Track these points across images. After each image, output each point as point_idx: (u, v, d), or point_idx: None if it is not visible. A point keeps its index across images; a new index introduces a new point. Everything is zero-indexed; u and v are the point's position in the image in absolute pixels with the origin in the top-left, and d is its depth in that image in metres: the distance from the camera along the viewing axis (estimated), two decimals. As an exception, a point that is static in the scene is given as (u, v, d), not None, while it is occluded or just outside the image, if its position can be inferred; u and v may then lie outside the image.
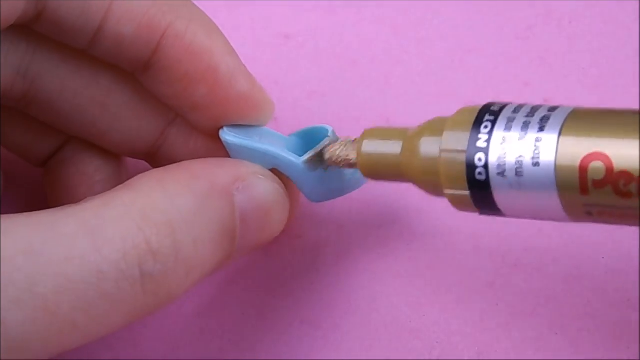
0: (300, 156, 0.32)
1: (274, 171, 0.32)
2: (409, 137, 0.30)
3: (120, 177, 0.34)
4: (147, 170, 0.30)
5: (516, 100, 0.37)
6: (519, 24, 0.39)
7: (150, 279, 0.27)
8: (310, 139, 0.33)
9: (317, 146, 0.32)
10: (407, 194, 0.36)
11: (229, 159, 0.32)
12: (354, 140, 0.32)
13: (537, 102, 0.36)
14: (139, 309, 0.28)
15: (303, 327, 0.33)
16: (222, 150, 0.33)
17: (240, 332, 0.34)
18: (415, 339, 0.33)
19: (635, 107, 0.35)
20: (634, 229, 0.33)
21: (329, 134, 0.32)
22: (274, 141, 0.33)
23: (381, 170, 0.31)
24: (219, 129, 0.32)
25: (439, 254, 0.34)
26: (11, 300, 0.26)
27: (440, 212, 0.35)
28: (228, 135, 0.32)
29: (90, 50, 0.31)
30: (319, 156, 0.32)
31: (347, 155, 0.32)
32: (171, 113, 0.33)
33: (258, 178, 0.31)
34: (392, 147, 0.31)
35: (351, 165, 0.32)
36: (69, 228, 0.27)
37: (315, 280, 0.34)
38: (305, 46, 0.40)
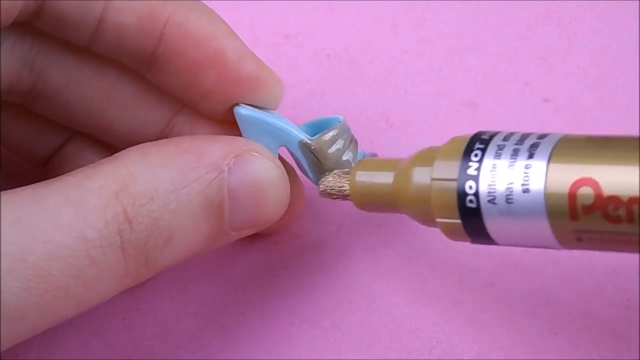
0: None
1: (281, 160, 0.32)
2: (401, 167, 0.31)
3: None
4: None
5: (514, 99, 0.37)
6: (519, 24, 0.39)
7: (129, 245, 0.28)
8: (321, 129, 0.33)
9: (328, 129, 0.32)
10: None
11: (225, 136, 0.32)
12: (346, 172, 0.32)
13: (536, 104, 0.36)
14: (124, 275, 0.28)
15: (303, 326, 0.34)
16: None
17: (240, 332, 0.34)
18: (415, 339, 0.33)
19: (634, 107, 0.35)
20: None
21: (340, 120, 0.33)
22: (286, 122, 0.33)
23: (374, 201, 0.32)
24: (233, 107, 0.32)
25: (439, 254, 0.34)
26: (5, 270, 0.26)
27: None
28: (242, 109, 0.32)
29: (93, 46, 0.31)
30: (330, 138, 0.32)
31: (341, 187, 0.32)
32: (177, 102, 0.33)
33: (252, 154, 0.31)
34: (385, 178, 0.31)
35: (344, 196, 0.32)
36: (53, 200, 0.28)
37: (315, 280, 0.34)
38: (305, 46, 0.40)
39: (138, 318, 0.34)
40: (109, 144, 0.35)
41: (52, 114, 0.33)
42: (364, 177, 0.32)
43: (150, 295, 0.35)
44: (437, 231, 0.35)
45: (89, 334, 0.34)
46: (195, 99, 0.32)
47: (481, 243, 0.29)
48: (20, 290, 0.26)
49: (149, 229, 0.28)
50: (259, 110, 0.32)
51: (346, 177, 0.32)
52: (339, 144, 0.32)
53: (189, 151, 0.30)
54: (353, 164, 0.33)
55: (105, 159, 0.29)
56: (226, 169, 0.30)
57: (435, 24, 0.40)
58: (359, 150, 0.34)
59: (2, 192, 0.28)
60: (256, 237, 0.35)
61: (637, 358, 0.31)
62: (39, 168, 0.36)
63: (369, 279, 0.34)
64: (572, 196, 0.26)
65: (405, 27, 0.40)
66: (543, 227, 0.27)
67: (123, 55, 0.31)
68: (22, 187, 0.28)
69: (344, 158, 0.33)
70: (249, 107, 0.32)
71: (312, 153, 0.32)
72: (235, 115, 0.32)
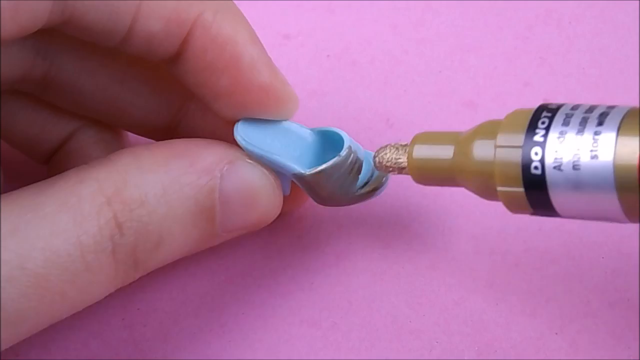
0: (311, 156, 0.32)
1: None
2: (462, 140, 0.30)
3: None
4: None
5: (514, 99, 0.37)
6: (519, 24, 0.39)
7: (120, 249, 0.28)
8: (328, 141, 0.33)
9: (325, 165, 0.32)
10: (407, 194, 0.36)
11: (221, 142, 0.31)
12: (404, 145, 0.32)
13: (537, 102, 0.36)
14: (114, 278, 0.29)
15: (303, 327, 0.34)
16: None
17: (240, 332, 0.34)
18: (415, 339, 0.33)
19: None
20: (634, 229, 0.33)
21: (342, 153, 0.32)
22: (289, 141, 0.32)
23: (432, 175, 0.31)
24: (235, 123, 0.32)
25: (439, 254, 0.34)
26: (4, 278, 0.27)
27: (440, 212, 0.35)
28: (239, 135, 0.32)
29: (119, 49, 0.31)
30: (326, 172, 0.32)
31: (398, 159, 0.32)
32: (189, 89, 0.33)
33: (246, 162, 0.31)
34: (444, 151, 0.30)
35: (401, 170, 0.32)
36: (50, 207, 0.28)
37: (315, 280, 0.34)
38: (305, 46, 0.40)
39: (138, 318, 0.34)
40: (114, 140, 0.35)
41: (65, 100, 0.34)
42: (422, 150, 0.31)
43: (150, 295, 0.35)
44: (437, 232, 0.35)
45: (89, 334, 0.34)
46: (207, 98, 0.32)
47: (542, 215, 0.28)
48: (19, 296, 0.27)
49: (137, 233, 0.29)
50: (256, 137, 0.31)
51: (403, 150, 0.32)
52: (335, 176, 0.32)
53: (181, 156, 0.30)
54: (353, 191, 0.33)
55: (98, 161, 0.30)
56: (218, 174, 0.30)
57: (435, 25, 0.40)
58: (370, 158, 0.33)
59: None
60: (257, 237, 0.35)
61: (637, 358, 0.31)
62: (42, 167, 0.36)
63: (369, 279, 0.34)
64: None
65: (405, 27, 0.40)
66: (610, 198, 0.26)
67: (148, 55, 0.31)
68: (18, 192, 0.28)
69: (342, 187, 0.32)
70: (251, 126, 0.32)
71: (308, 184, 0.32)
72: (234, 136, 0.32)
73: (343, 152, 0.32)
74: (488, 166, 0.29)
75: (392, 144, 0.32)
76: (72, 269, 0.28)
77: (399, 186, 0.35)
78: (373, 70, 0.39)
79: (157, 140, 0.35)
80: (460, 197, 0.35)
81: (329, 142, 0.33)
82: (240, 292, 0.35)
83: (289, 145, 0.32)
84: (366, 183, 0.33)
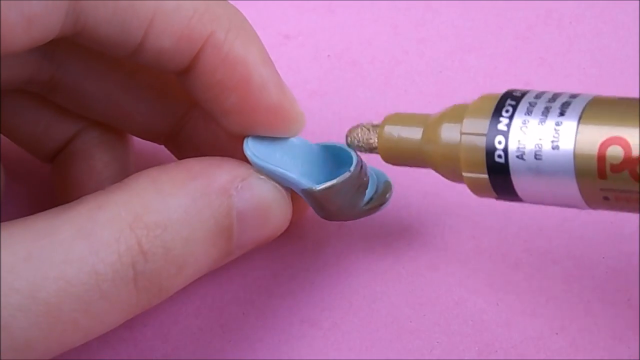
0: (318, 172, 0.32)
1: None
2: (430, 123, 0.31)
3: (128, 174, 0.35)
4: (156, 165, 0.30)
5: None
6: (519, 24, 0.39)
7: (143, 276, 0.28)
8: (334, 155, 0.33)
9: (336, 180, 0.32)
10: (407, 194, 0.36)
11: (231, 158, 0.32)
12: (375, 125, 0.32)
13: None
14: (134, 306, 0.28)
15: (303, 327, 0.34)
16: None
17: (240, 332, 0.34)
18: (415, 339, 0.33)
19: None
20: (634, 229, 0.33)
21: (351, 169, 0.32)
22: (297, 156, 0.32)
23: (401, 155, 0.32)
24: (244, 138, 0.32)
25: (439, 254, 0.34)
26: (15, 307, 0.26)
27: (440, 212, 0.35)
28: (249, 150, 0.32)
29: (129, 60, 0.31)
30: (335, 188, 0.32)
31: (369, 139, 0.32)
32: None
33: (258, 177, 0.31)
34: (413, 133, 0.31)
35: (371, 149, 0.32)
36: (65, 233, 0.27)
37: (315, 280, 0.34)
38: (305, 46, 0.40)
39: (138, 318, 0.34)
40: (118, 141, 0.35)
41: (70, 102, 0.34)
42: (392, 131, 0.32)
43: (150, 295, 0.35)
44: (437, 231, 0.35)
45: (89, 334, 0.34)
46: (215, 113, 0.32)
47: (507, 200, 0.29)
48: (30, 325, 0.27)
49: (162, 259, 0.28)
50: (266, 152, 0.31)
51: (374, 130, 0.32)
52: (343, 192, 0.32)
53: (198, 177, 0.30)
54: (360, 206, 0.33)
55: (116, 186, 0.29)
56: (234, 193, 0.30)
57: (436, 25, 0.40)
58: (374, 173, 0.33)
59: (13, 223, 0.28)
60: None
61: (637, 358, 0.31)
62: (43, 167, 0.36)
63: (369, 279, 0.34)
64: (602, 154, 0.26)
65: (405, 27, 0.40)
66: (570, 186, 0.27)
67: (157, 68, 0.31)
68: (34, 217, 0.28)
69: (349, 203, 0.32)
70: (259, 143, 0.32)
71: (316, 200, 0.32)
72: (244, 152, 0.32)
73: (352, 168, 0.32)
74: (454, 151, 0.29)
75: (364, 124, 0.33)
76: (86, 298, 0.27)
77: (399, 186, 0.35)
78: (373, 70, 0.39)
79: (160, 143, 0.35)
80: (460, 197, 0.35)
81: (335, 156, 0.33)
82: (240, 292, 0.35)
83: (297, 160, 0.32)
84: (370, 199, 0.33)
